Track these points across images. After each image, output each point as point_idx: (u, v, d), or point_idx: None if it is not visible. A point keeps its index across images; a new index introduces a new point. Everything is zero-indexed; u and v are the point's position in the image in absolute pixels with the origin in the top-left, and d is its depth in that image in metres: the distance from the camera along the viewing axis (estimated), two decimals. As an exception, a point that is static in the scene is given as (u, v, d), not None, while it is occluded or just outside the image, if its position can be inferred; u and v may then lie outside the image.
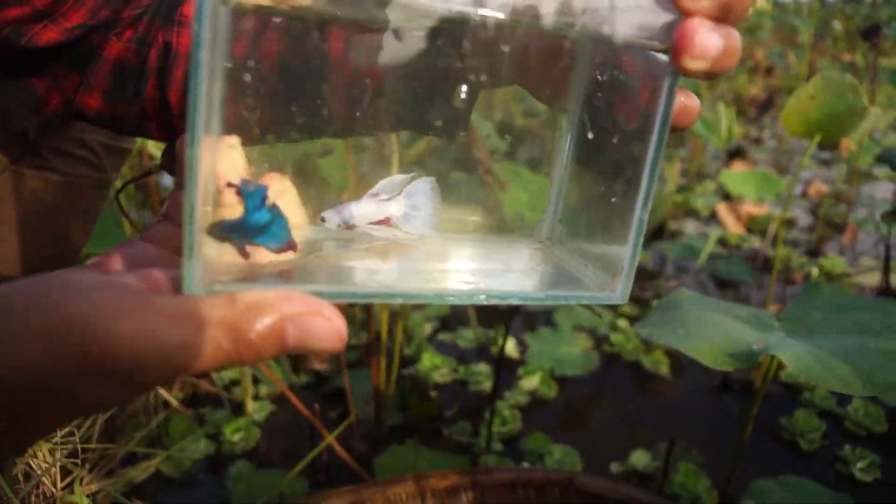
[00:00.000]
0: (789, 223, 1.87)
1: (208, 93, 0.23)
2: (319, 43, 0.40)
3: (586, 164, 0.36)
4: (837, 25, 5.58)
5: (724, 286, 1.50)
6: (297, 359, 1.10)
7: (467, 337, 1.21)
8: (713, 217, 1.89)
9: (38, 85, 0.48)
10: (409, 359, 1.13)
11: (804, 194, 2.10)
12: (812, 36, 3.21)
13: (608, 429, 1.00)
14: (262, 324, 0.23)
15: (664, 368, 1.13)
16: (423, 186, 0.36)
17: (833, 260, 1.58)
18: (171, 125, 0.51)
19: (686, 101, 0.30)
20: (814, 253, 1.67)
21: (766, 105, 2.21)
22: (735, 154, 2.36)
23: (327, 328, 0.24)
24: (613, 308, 1.34)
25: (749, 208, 1.40)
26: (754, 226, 1.78)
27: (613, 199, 0.32)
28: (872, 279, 1.52)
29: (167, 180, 1.57)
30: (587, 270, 0.34)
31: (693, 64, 0.26)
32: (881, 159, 0.89)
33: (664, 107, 0.28)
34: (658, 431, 0.98)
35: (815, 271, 1.04)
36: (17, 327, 0.22)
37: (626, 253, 0.30)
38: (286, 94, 0.37)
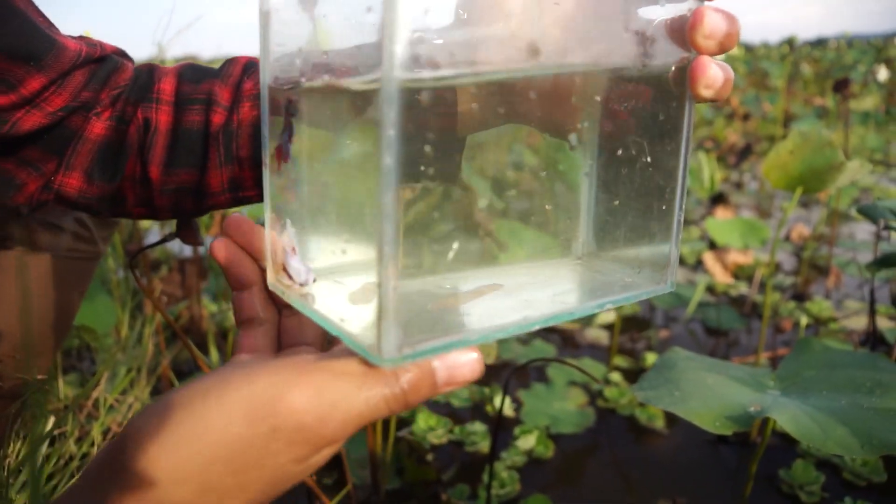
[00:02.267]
0: (774, 267, 1.89)
1: None
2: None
3: (613, 180, 0.39)
4: (807, 69, 5.75)
5: (715, 334, 1.50)
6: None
7: (461, 395, 1.21)
8: (700, 264, 1.91)
9: (15, 171, 0.49)
10: (404, 419, 1.12)
11: (787, 238, 2.13)
12: (785, 80, 3.31)
13: (607, 486, 0.99)
14: (426, 393, 0.29)
15: (659, 423, 1.13)
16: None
17: (819, 304, 1.60)
18: (151, 201, 0.52)
19: (725, 72, 0.35)
20: (800, 297, 1.69)
21: (745, 152, 2.26)
22: (717, 199, 2.40)
23: (468, 359, 0.29)
24: (606, 361, 1.34)
25: (735, 257, 1.42)
26: (741, 273, 1.80)
27: (646, 205, 0.37)
28: (859, 323, 1.54)
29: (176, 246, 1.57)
30: (630, 274, 0.39)
31: (706, 92, 0.34)
32: (860, 211, 0.91)
33: (687, 115, 0.35)
34: (657, 487, 0.97)
35: (803, 321, 1.05)
36: (212, 404, 0.26)
37: (671, 247, 0.37)
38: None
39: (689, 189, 1.96)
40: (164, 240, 0.54)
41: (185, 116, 0.50)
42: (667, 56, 0.35)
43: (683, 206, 0.37)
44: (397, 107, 0.24)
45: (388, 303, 0.25)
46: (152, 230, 2.07)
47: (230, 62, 0.52)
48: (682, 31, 0.34)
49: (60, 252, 0.65)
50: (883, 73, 3.87)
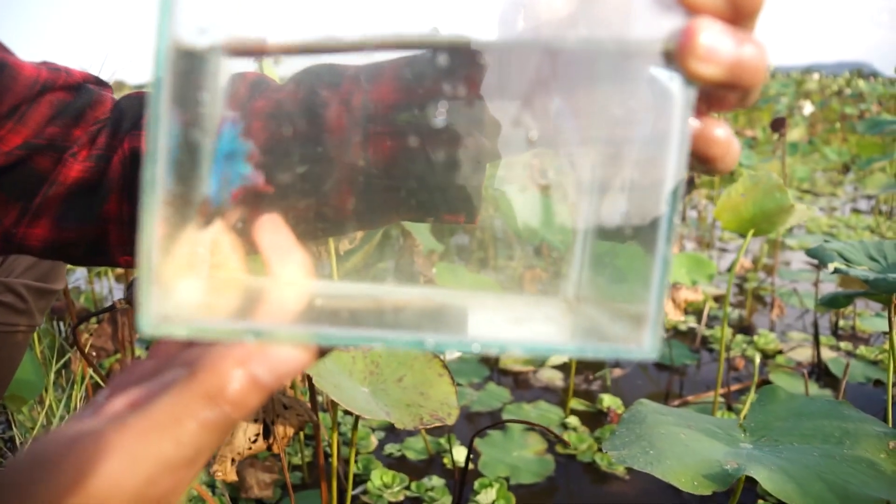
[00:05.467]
0: (718, 299, 1.92)
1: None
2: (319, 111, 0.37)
3: (606, 217, 0.33)
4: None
5: (667, 370, 1.50)
6: (237, 487, 1.01)
7: (416, 447, 1.16)
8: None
9: None
10: (358, 476, 1.07)
11: (729, 270, 2.18)
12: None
13: (571, 540, 0.96)
14: (235, 379, 0.23)
15: (620, 469, 1.11)
16: None
17: (766, 336, 1.62)
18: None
19: (726, 136, 0.26)
20: (746, 330, 1.72)
21: (688, 185, 2.32)
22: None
23: (291, 352, 0.23)
24: (561, 404, 1.32)
25: (687, 294, 1.44)
26: (690, 307, 1.83)
27: (635, 245, 0.29)
28: (804, 354, 1.57)
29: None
30: (614, 324, 0.31)
31: (702, 68, 0.22)
32: (810, 254, 0.92)
33: (680, 126, 0.24)
34: (622, 539, 0.95)
35: (756, 358, 1.05)
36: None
37: (650, 299, 0.27)
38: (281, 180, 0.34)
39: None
40: (110, 307, 0.48)
41: None
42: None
43: (671, 245, 0.27)
44: None
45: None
46: (77, 275, 1.96)
47: (236, 78, 0.46)
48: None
49: None
50: (808, 108, 4.06)
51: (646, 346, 0.27)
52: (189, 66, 0.21)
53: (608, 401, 1.31)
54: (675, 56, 0.23)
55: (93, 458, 0.22)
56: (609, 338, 0.29)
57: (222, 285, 0.28)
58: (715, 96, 0.25)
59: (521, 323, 0.33)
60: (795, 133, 3.71)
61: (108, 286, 1.93)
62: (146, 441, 0.22)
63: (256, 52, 0.23)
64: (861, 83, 8.57)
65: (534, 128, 0.34)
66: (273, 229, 0.28)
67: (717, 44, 0.22)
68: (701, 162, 0.27)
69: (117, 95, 0.46)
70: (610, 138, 0.32)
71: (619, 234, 0.32)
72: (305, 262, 0.28)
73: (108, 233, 0.44)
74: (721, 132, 0.26)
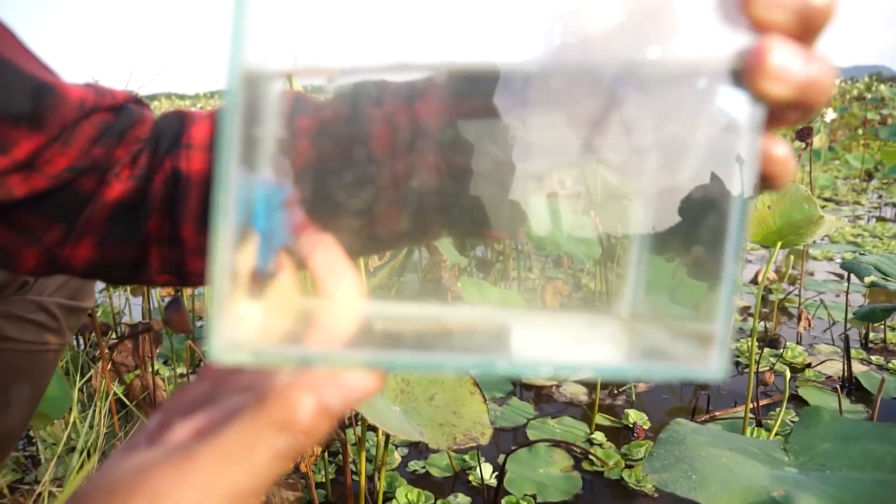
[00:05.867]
0: (743, 311, 1.89)
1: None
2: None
3: (666, 231, 0.32)
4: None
5: (692, 384, 1.48)
6: (259, 505, 1.00)
7: (440, 464, 1.14)
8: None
9: (10, 242, 0.42)
10: (382, 494, 1.05)
11: (754, 281, 2.15)
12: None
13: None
14: (306, 407, 0.22)
15: (648, 485, 1.08)
16: None
17: (793, 350, 1.59)
18: (182, 265, 0.43)
19: (786, 154, 0.26)
20: (773, 343, 1.68)
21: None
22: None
23: (365, 378, 0.23)
24: (586, 419, 1.29)
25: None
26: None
27: (699, 261, 0.28)
28: (833, 368, 1.54)
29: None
30: (676, 344, 0.30)
31: (773, 87, 0.22)
32: (845, 267, 0.90)
33: (749, 145, 0.24)
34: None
35: (787, 372, 1.03)
36: None
37: (718, 318, 0.26)
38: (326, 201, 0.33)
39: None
40: (147, 327, 0.47)
41: None
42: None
43: (738, 263, 0.26)
44: None
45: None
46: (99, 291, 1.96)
47: (280, 96, 0.44)
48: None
49: (29, 345, 0.57)
50: (830, 114, 4.02)
51: (713, 367, 0.26)
52: (254, 93, 0.20)
53: (634, 416, 1.28)
54: (745, 75, 0.22)
55: (166, 489, 0.22)
56: (673, 358, 0.28)
57: (279, 307, 0.27)
58: (778, 114, 0.24)
59: (583, 342, 0.32)
60: (817, 140, 3.66)
61: (124, 299, 1.93)
62: (218, 471, 0.22)
63: (323, 75, 0.22)
64: (883, 88, 8.48)
65: (590, 142, 0.33)
66: (324, 249, 0.27)
67: (788, 64, 0.22)
68: (761, 179, 0.26)
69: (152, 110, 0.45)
70: (667, 152, 0.31)
71: (676, 251, 0.31)
72: (358, 282, 0.28)
73: (148, 253, 0.44)
74: (781, 150, 0.25)
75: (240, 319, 0.22)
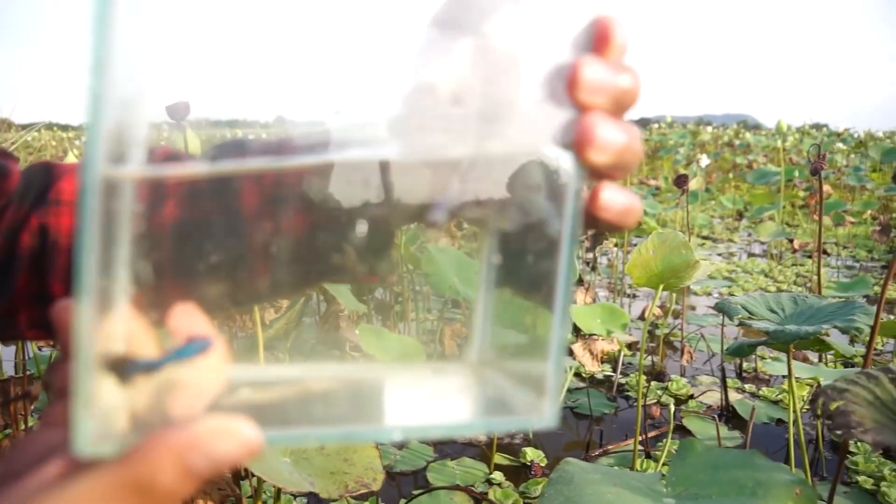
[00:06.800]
0: (632, 346, 1.99)
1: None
2: (231, 202, 0.36)
3: (507, 283, 0.34)
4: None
5: (586, 418, 1.53)
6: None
7: (340, 513, 1.12)
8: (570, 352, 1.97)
9: None
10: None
11: (641, 317, 2.26)
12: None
13: None
14: (169, 470, 0.21)
15: (546, 522, 1.11)
16: None
17: (678, 382, 1.69)
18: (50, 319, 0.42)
19: (628, 200, 0.28)
20: (659, 376, 1.78)
21: (599, 236, 2.41)
22: (577, 282, 2.52)
23: (234, 443, 0.22)
24: (485, 459, 1.32)
25: (603, 346, 1.48)
26: (606, 356, 1.88)
27: (533, 315, 0.31)
28: (713, 397, 1.64)
29: None
30: (517, 392, 0.32)
31: (597, 157, 0.25)
32: (717, 308, 0.98)
33: (571, 210, 0.27)
34: None
35: (671, 405, 1.10)
36: None
37: (548, 370, 0.28)
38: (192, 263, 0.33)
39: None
40: (25, 394, 0.45)
41: None
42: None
43: (566, 320, 0.29)
44: None
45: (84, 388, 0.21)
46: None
47: (150, 152, 0.44)
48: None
49: None
50: (704, 160, 4.34)
51: (545, 415, 0.28)
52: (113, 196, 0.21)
53: (531, 454, 1.31)
54: (573, 146, 0.26)
55: None
56: (514, 408, 0.31)
57: (144, 382, 0.27)
58: (603, 174, 0.27)
59: (436, 398, 0.34)
60: (694, 183, 3.95)
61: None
62: None
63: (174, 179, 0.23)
64: (748, 135, 9.26)
65: (442, 194, 0.35)
66: (187, 316, 0.27)
67: (610, 137, 0.26)
68: (601, 224, 0.29)
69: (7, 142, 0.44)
70: (507, 206, 0.34)
71: (515, 298, 0.34)
72: (222, 347, 0.28)
73: (18, 309, 0.43)
74: (609, 197, 0.28)
75: (105, 410, 0.22)
